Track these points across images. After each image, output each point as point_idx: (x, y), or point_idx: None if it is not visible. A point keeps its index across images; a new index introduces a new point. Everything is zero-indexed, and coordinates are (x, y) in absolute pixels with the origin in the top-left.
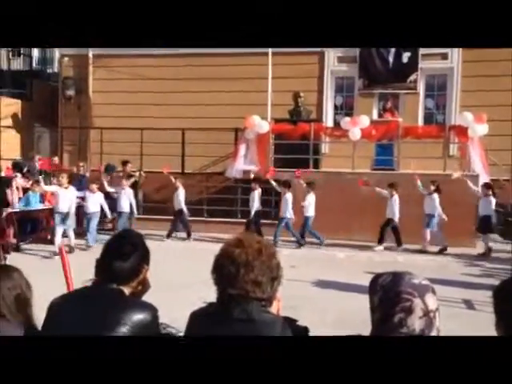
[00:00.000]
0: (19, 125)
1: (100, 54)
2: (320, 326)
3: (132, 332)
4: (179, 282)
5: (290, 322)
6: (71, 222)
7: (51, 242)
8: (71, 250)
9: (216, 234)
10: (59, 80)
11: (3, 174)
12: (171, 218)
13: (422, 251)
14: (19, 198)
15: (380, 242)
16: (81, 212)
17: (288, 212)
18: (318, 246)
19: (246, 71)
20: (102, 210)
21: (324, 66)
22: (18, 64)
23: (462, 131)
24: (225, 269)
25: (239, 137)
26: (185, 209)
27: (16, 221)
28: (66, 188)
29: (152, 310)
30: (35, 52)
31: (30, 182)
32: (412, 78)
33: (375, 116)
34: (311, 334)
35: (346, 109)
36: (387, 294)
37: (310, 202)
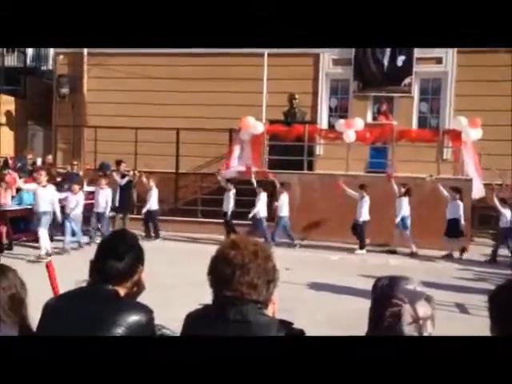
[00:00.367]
0: (13, 122)
1: (95, 52)
2: (313, 327)
3: (127, 333)
4: (173, 283)
5: (285, 324)
6: (46, 222)
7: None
8: (47, 253)
9: (210, 234)
10: (53, 78)
11: None
12: (166, 218)
13: (414, 254)
14: (12, 197)
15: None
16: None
17: (286, 212)
18: (292, 246)
19: (242, 72)
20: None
21: (319, 68)
22: (11, 60)
23: (455, 135)
24: (221, 271)
25: (234, 137)
26: (156, 209)
27: (9, 220)
28: (44, 186)
29: (147, 311)
30: (29, 49)
31: (22, 180)
32: (406, 81)
33: (369, 119)
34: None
35: (340, 111)
36: (381, 297)
37: (284, 202)
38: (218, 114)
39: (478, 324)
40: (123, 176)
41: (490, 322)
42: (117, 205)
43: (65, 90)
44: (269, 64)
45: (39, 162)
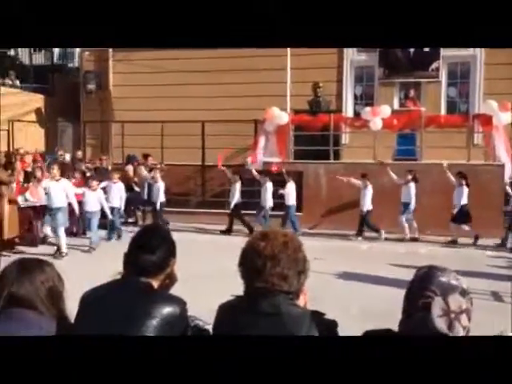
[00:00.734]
0: (43, 119)
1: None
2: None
3: (161, 325)
4: (203, 275)
5: (317, 315)
6: (63, 219)
7: (75, 235)
8: (60, 252)
9: (239, 226)
10: (80, 74)
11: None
12: (192, 210)
13: (448, 243)
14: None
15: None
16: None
17: (268, 201)
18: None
19: (265, 62)
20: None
21: (343, 55)
22: (39, 59)
23: (486, 120)
24: (251, 262)
25: (259, 128)
26: (163, 201)
27: (43, 214)
28: (57, 181)
29: (181, 302)
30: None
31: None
32: (434, 66)
33: (396, 105)
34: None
35: (366, 99)
36: (415, 288)
37: (290, 190)
38: (243, 106)
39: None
40: (150, 170)
41: None
42: (145, 198)
43: (91, 86)
44: (292, 53)
45: (68, 157)
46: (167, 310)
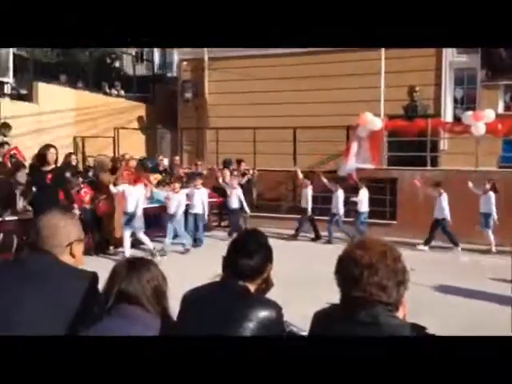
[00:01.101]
0: (144, 127)
1: (215, 57)
2: (445, 332)
3: (258, 328)
4: (295, 281)
5: (418, 328)
6: (139, 223)
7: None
8: (152, 254)
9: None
10: (178, 83)
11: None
12: (283, 216)
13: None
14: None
15: (427, 242)
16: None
17: (340, 209)
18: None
19: (358, 67)
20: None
21: (442, 57)
22: (141, 69)
23: None
24: (348, 270)
25: (351, 134)
26: (237, 207)
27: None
28: (135, 186)
29: (277, 307)
30: (156, 58)
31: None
32: None
33: (501, 109)
34: None
35: (467, 102)
36: None
37: (363, 197)
38: (335, 111)
39: None
40: (243, 175)
41: None
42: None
43: (188, 95)
44: (386, 57)
45: (166, 162)
46: (264, 313)
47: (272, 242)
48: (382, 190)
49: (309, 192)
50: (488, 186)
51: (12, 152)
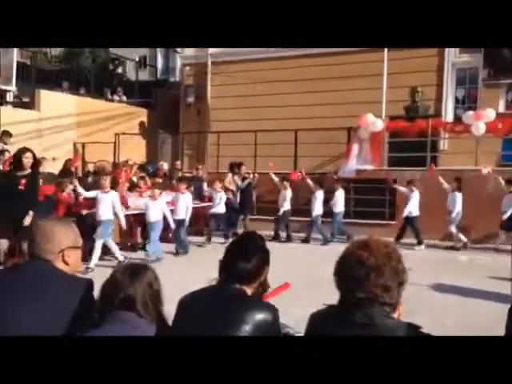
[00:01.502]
0: (145, 131)
1: (217, 61)
2: (441, 332)
3: (254, 330)
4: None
5: (413, 328)
6: (111, 231)
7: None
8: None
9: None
10: (181, 88)
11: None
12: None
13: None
14: None
15: (419, 241)
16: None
17: (319, 209)
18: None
19: (359, 69)
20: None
21: (444, 57)
22: (144, 75)
23: None
24: (352, 272)
25: (352, 136)
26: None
27: (141, 222)
28: (106, 192)
29: (273, 310)
30: (159, 63)
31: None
32: None
33: (502, 108)
34: None
35: (468, 102)
36: None
37: (338, 198)
38: (336, 113)
39: None
40: (244, 179)
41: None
42: (237, 207)
43: (190, 99)
44: (388, 58)
45: (166, 166)
46: (260, 316)
47: (268, 244)
48: (381, 191)
49: (287, 194)
50: (454, 185)
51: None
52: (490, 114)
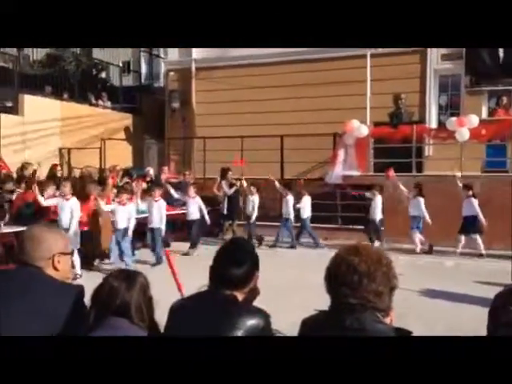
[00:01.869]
0: (130, 137)
1: (202, 66)
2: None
3: (246, 336)
4: (282, 288)
5: (403, 333)
6: (74, 239)
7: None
8: (75, 276)
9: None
10: (165, 93)
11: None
12: (270, 224)
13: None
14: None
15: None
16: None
17: (291, 213)
18: (314, 247)
19: (344, 75)
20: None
21: (426, 64)
22: (128, 80)
23: None
24: (344, 277)
25: (338, 142)
26: (196, 217)
27: None
28: (67, 199)
29: (265, 315)
30: (143, 68)
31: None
32: None
33: (484, 115)
34: None
35: (451, 109)
36: (498, 304)
37: (306, 203)
38: (322, 119)
39: None
40: (231, 185)
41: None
42: (224, 213)
43: (175, 105)
44: (372, 65)
45: (151, 171)
46: (251, 322)
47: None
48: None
49: (255, 200)
50: (415, 191)
51: None
52: (473, 120)
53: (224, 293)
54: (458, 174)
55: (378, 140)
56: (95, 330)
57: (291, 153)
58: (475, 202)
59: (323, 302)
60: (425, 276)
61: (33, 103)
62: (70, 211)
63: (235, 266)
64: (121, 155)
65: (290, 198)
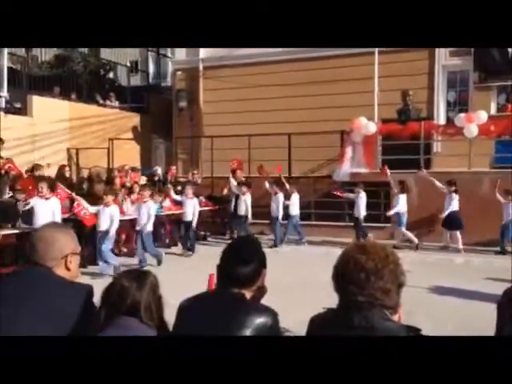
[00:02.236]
0: (138, 136)
1: (209, 65)
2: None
3: (254, 334)
4: (290, 286)
5: (412, 330)
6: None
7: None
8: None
9: (324, 237)
10: (173, 93)
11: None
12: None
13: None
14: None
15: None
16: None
17: (280, 212)
18: (301, 243)
19: (351, 72)
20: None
21: (435, 60)
22: (136, 80)
23: None
24: (351, 275)
25: (345, 139)
26: (194, 221)
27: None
28: (46, 199)
29: (273, 313)
30: (151, 68)
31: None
32: None
33: (493, 111)
34: None
35: (459, 105)
36: (505, 300)
37: (295, 201)
38: (329, 117)
39: None
40: (239, 183)
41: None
42: (233, 211)
43: (183, 104)
44: (380, 62)
45: (159, 171)
46: (260, 320)
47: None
48: (376, 194)
49: (247, 199)
50: (399, 188)
51: (7, 166)
52: (481, 116)
53: (232, 291)
54: (424, 171)
55: (385, 137)
56: (105, 330)
57: (299, 151)
58: (456, 197)
59: (331, 300)
60: (434, 273)
61: (41, 104)
62: (52, 212)
63: (242, 265)
64: (129, 155)
65: (280, 197)
